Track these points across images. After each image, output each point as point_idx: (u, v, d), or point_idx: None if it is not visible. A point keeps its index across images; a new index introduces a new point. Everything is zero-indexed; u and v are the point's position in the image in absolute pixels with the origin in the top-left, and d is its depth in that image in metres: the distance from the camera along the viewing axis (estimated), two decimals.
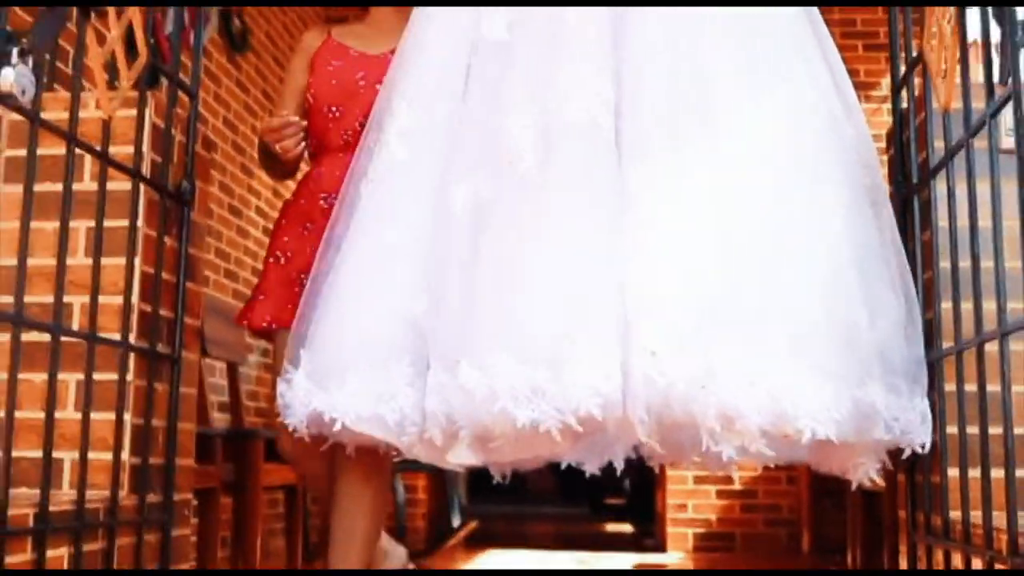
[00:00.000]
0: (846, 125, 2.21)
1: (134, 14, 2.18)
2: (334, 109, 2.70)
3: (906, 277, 2.16)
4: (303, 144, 2.66)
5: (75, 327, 2.27)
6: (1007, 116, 2.23)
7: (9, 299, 1.91)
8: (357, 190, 2.32)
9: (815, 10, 2.28)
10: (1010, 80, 1.72)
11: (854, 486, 2.17)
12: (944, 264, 2.15)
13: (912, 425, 2.04)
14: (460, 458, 2.09)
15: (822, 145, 2.13)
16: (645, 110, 2.06)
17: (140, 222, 2.28)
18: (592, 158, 2.04)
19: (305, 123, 2.64)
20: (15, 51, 1.76)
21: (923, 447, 2.05)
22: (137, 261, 2.27)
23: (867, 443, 2.04)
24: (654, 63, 2.11)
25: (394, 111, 2.34)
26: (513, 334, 1.97)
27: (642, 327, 1.92)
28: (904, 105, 2.41)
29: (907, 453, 2.07)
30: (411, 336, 2.11)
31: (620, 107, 2.10)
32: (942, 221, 2.15)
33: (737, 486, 5.90)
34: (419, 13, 2.43)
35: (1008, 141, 2.27)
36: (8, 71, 1.75)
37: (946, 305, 2.13)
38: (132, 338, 2.21)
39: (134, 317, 2.24)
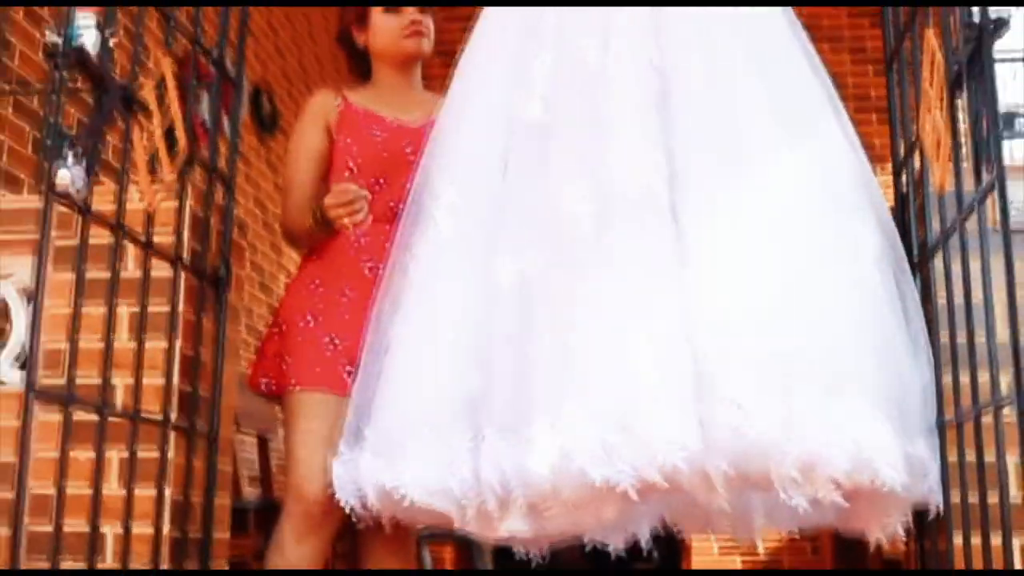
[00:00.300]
0: (871, 180, 2.32)
1: (175, 111, 2.33)
2: (381, 180, 2.64)
3: (926, 340, 2.25)
4: (370, 217, 2.58)
5: (119, 406, 2.39)
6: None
7: (52, 377, 2.03)
8: (404, 264, 2.37)
9: (824, 71, 2.41)
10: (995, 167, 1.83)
11: (874, 543, 2.21)
12: (945, 338, 2.25)
13: (937, 483, 2.13)
14: (514, 528, 2.11)
15: (855, 197, 2.25)
16: (696, 171, 2.15)
17: (180, 306, 2.41)
18: (651, 224, 2.11)
19: (369, 195, 2.57)
20: (71, 154, 1.90)
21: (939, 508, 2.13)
22: (178, 343, 2.39)
23: (901, 499, 2.09)
24: (701, 130, 2.20)
25: (437, 189, 2.39)
26: (581, 395, 2.01)
27: (721, 379, 1.98)
28: (904, 186, 2.53)
29: (932, 513, 2.14)
30: (467, 410, 2.16)
31: (673, 171, 2.18)
32: (940, 298, 2.25)
33: (762, 556, 5.93)
34: (455, 93, 2.51)
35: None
36: (64, 171, 1.90)
37: (947, 378, 2.22)
38: (173, 416, 2.34)
39: (174, 396, 2.36)
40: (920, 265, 2.42)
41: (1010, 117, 2.07)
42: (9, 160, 3.52)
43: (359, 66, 2.86)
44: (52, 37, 2.94)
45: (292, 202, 2.74)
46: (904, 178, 2.53)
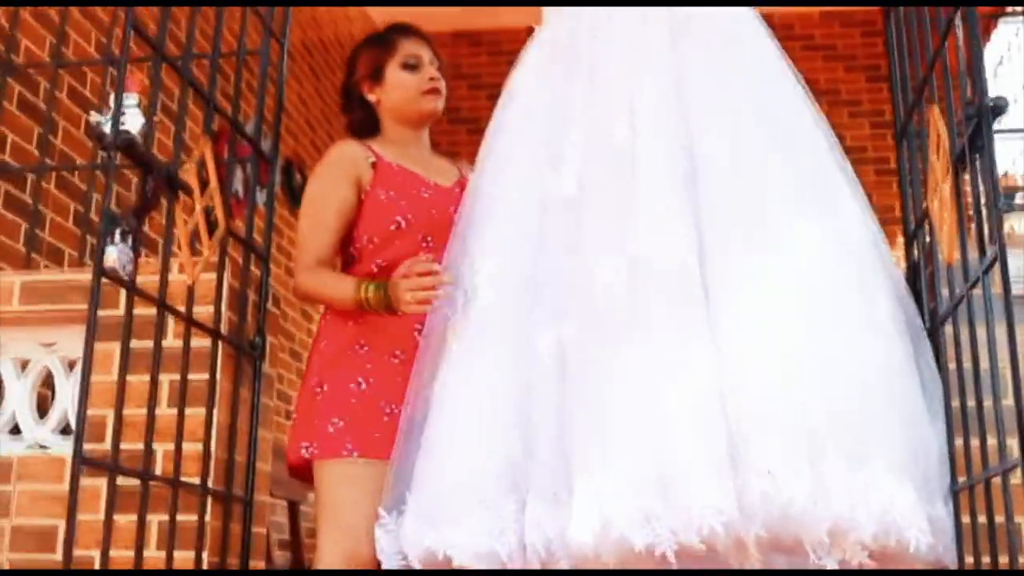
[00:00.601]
0: (887, 252, 2.41)
1: (215, 192, 2.45)
2: (429, 239, 2.58)
3: (941, 404, 2.33)
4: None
5: (159, 471, 2.48)
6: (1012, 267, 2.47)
7: (92, 443, 2.13)
8: (443, 332, 2.43)
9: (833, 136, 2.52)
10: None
11: None
12: (957, 403, 2.32)
13: (951, 544, 2.19)
14: None
15: (873, 271, 2.34)
16: (724, 247, 2.24)
17: (218, 375, 2.51)
18: (684, 296, 2.19)
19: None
20: (118, 232, 2.02)
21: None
22: (216, 412, 2.49)
23: (925, 559, 2.14)
24: (728, 207, 2.29)
25: (476, 261, 2.45)
26: (620, 461, 2.08)
27: (753, 447, 2.06)
28: (916, 256, 2.62)
29: None
30: (511, 475, 2.21)
31: (702, 246, 2.27)
32: (952, 364, 2.33)
33: None
34: (488, 170, 2.58)
35: (1014, 287, 2.50)
36: (112, 249, 2.02)
37: (959, 441, 2.29)
38: (211, 482, 2.43)
39: (212, 463, 2.45)
40: (931, 333, 2.50)
41: (1011, 192, 2.15)
42: (51, 233, 3.65)
43: (364, 122, 2.77)
44: (96, 117, 3.09)
45: (313, 256, 2.59)
46: (916, 248, 2.62)
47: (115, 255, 2.02)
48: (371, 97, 2.74)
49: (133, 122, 2.84)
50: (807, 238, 2.28)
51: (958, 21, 2.13)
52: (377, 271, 2.59)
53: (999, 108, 1.98)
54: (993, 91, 2.05)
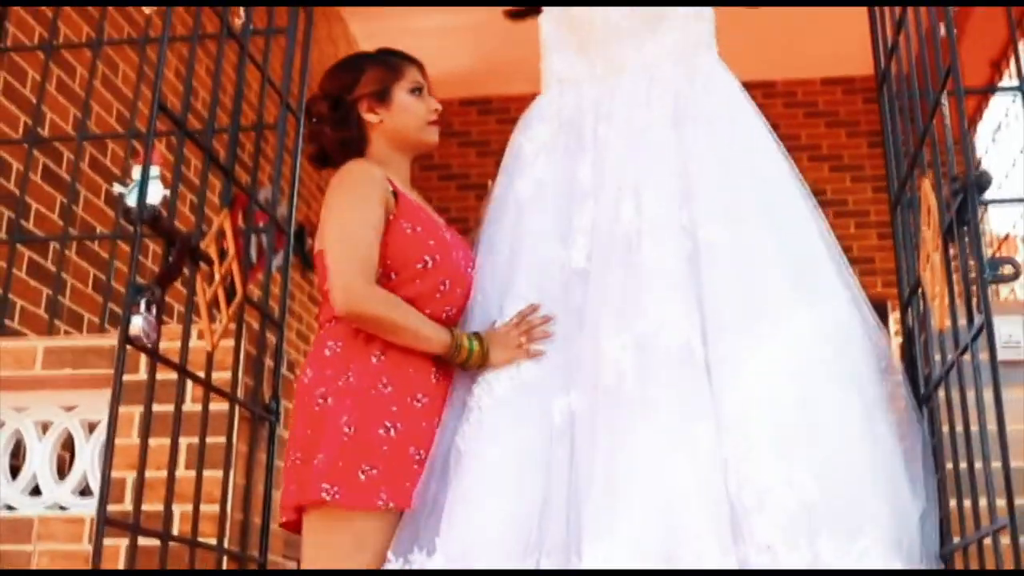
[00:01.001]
0: (874, 328, 2.50)
1: (233, 262, 2.55)
2: (447, 283, 2.46)
3: (928, 472, 2.40)
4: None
5: (175, 532, 2.55)
6: (1000, 330, 2.56)
7: (112, 503, 2.21)
8: (461, 395, 2.46)
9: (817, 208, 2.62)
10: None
11: None
12: (951, 465, 2.39)
13: None
14: None
15: (862, 350, 2.43)
16: (722, 328, 2.33)
17: (235, 438, 2.60)
18: (688, 375, 2.28)
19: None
20: (143, 302, 2.12)
21: None
22: (232, 474, 2.57)
23: None
24: (727, 287, 2.38)
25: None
26: (627, 528, 2.15)
27: (754, 521, 2.14)
28: (911, 323, 2.70)
29: None
30: (530, 534, 2.26)
31: (705, 324, 2.35)
32: (945, 427, 2.40)
33: None
34: (502, 241, 2.61)
35: (1006, 352, 2.59)
36: (137, 319, 2.12)
37: (953, 501, 2.36)
38: (227, 543, 2.51)
39: (228, 524, 2.53)
40: (927, 398, 2.58)
41: (995, 263, 2.24)
42: (72, 298, 3.76)
43: (351, 142, 2.53)
44: (119, 188, 3.21)
45: (365, 269, 2.34)
46: (910, 315, 2.70)
47: (140, 324, 2.11)
48: (371, 117, 2.52)
49: (154, 192, 2.97)
50: (803, 324, 2.36)
51: (944, 100, 2.24)
52: None
53: (983, 183, 2.07)
54: (991, 158, 2.15)
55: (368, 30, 6.84)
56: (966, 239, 2.15)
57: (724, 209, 2.45)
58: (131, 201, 2.93)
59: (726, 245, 2.40)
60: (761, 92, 7.56)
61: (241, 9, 2.94)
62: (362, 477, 2.25)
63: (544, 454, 2.34)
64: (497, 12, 5.99)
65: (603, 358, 2.31)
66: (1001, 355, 2.51)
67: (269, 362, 2.82)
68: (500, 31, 5.76)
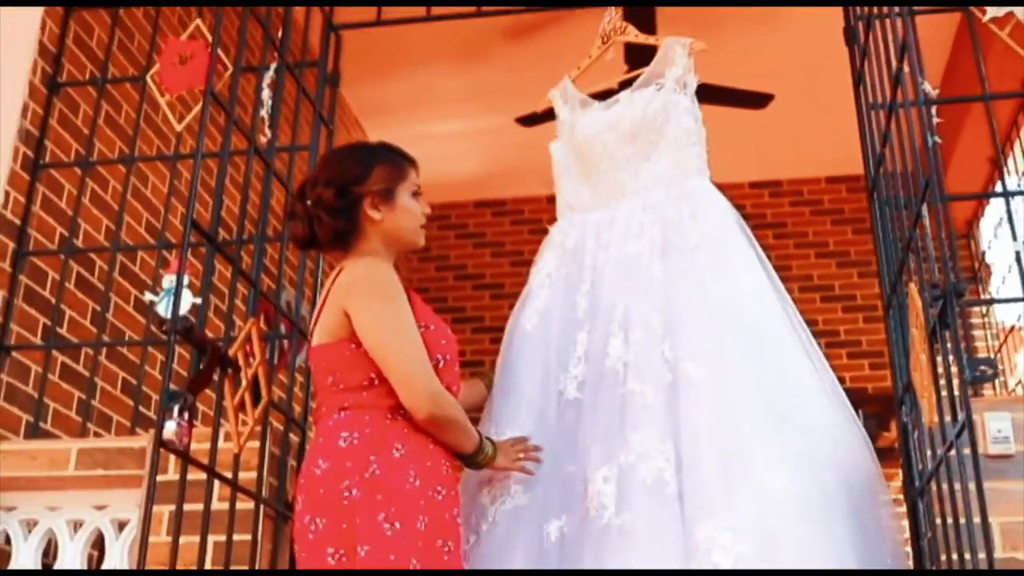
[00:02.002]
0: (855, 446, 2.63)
1: (260, 368, 2.70)
2: (454, 375, 2.54)
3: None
4: None
5: None
6: (990, 425, 2.69)
7: None
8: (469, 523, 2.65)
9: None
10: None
11: None
12: (944, 557, 2.49)
13: None
14: None
15: (841, 483, 2.53)
16: (698, 464, 2.45)
17: (260, 536, 2.72)
18: (661, 511, 2.41)
19: None
20: (176, 408, 2.26)
21: None
22: (258, 570, 2.69)
23: None
24: (704, 422, 2.51)
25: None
26: None
27: None
28: (904, 419, 2.83)
29: None
30: None
31: (680, 463, 2.48)
32: (939, 519, 2.51)
33: None
34: (507, 371, 2.82)
35: (996, 447, 2.71)
36: (170, 423, 2.26)
37: None
38: None
39: None
40: (920, 492, 2.69)
41: (974, 363, 2.36)
42: (102, 401, 3.91)
43: (344, 235, 2.51)
44: (150, 297, 3.37)
45: (433, 377, 2.39)
46: (903, 412, 2.83)
47: (173, 428, 2.25)
48: (374, 214, 2.50)
49: (184, 300, 3.13)
50: (777, 461, 2.46)
51: (925, 211, 2.39)
52: None
53: (960, 291, 2.21)
54: (995, 253, 2.29)
55: (387, 137, 7.02)
56: (948, 343, 2.28)
57: (705, 342, 2.59)
58: (162, 310, 3.08)
59: (705, 379, 2.54)
60: (768, 191, 7.82)
61: (267, 127, 3.13)
62: (416, 564, 2.27)
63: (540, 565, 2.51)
64: (508, 118, 6.23)
65: (589, 488, 2.48)
66: (992, 449, 2.67)
67: (293, 462, 2.95)
68: (512, 135, 6.05)
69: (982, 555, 2.14)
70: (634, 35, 3.18)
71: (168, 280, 3.13)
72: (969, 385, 2.21)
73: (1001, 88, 3.46)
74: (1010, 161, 6.40)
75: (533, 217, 7.63)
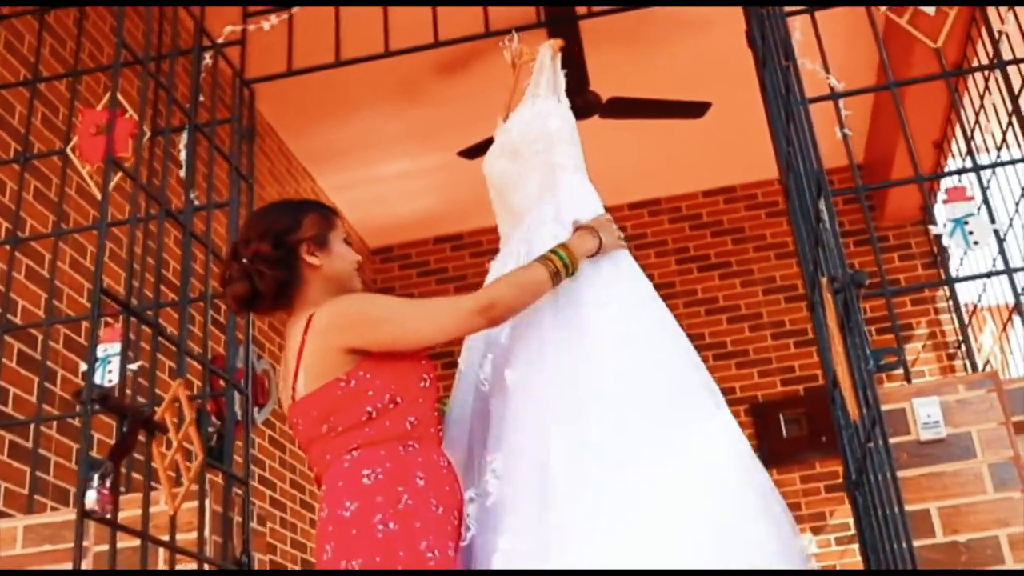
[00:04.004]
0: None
1: (191, 427, 2.70)
2: (439, 394, 2.63)
3: None
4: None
5: None
6: (919, 411, 2.70)
7: None
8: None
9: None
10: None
11: None
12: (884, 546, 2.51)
13: None
14: None
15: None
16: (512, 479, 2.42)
17: None
18: (486, 522, 2.38)
19: None
20: (96, 476, 2.27)
21: None
22: None
23: None
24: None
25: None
26: None
27: None
28: (836, 415, 2.85)
29: None
30: None
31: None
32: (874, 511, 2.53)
33: None
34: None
35: (927, 432, 2.72)
36: (91, 493, 2.26)
37: None
38: None
39: None
40: (856, 484, 2.70)
41: (878, 354, 2.37)
42: (56, 473, 3.90)
43: (286, 285, 2.51)
44: (85, 367, 3.36)
45: (462, 307, 2.45)
46: (836, 407, 2.84)
47: (94, 498, 2.25)
48: (313, 260, 2.51)
49: (118, 367, 3.13)
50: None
51: (822, 205, 2.42)
52: (411, 429, 2.41)
53: (859, 282, 2.23)
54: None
55: (335, 182, 7.11)
56: (855, 335, 2.30)
57: (523, 356, 2.54)
58: (97, 378, 3.09)
59: (514, 391, 2.50)
60: (723, 198, 7.85)
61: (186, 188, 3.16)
62: None
63: None
64: (453, 153, 6.25)
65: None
66: (923, 435, 2.68)
67: (239, 518, 2.95)
68: (460, 169, 6.07)
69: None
70: (528, 54, 3.15)
71: (101, 349, 3.14)
72: (876, 375, 2.23)
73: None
74: (953, 144, 6.46)
75: (492, 247, 7.52)
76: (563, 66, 3.02)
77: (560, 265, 2.50)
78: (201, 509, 2.75)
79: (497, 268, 2.84)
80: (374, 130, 6.61)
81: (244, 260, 2.50)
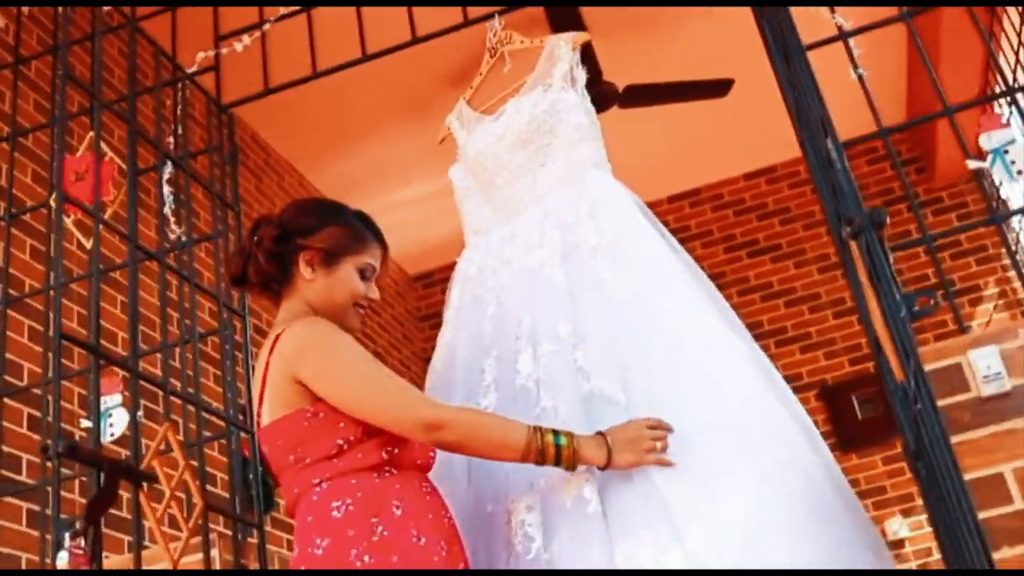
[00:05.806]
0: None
1: (187, 473, 2.51)
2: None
3: None
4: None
5: None
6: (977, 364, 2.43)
7: None
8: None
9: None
10: None
11: None
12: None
13: None
14: None
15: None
16: (619, 486, 2.23)
17: None
18: (585, 532, 2.18)
19: None
20: (68, 535, 2.08)
21: None
22: None
23: None
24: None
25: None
26: None
27: None
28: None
29: None
30: None
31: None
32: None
33: None
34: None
35: (988, 387, 2.44)
36: (63, 553, 2.07)
37: None
38: None
39: None
40: (917, 454, 2.43)
41: (910, 299, 2.10)
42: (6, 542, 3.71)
43: (272, 280, 2.37)
44: (85, 423, 3.21)
45: (416, 391, 2.25)
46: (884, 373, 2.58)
47: (66, 559, 2.07)
48: (306, 272, 2.34)
49: (121, 420, 2.97)
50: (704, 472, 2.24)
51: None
52: (388, 458, 2.19)
53: (878, 220, 1.98)
54: None
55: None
56: (883, 282, 2.04)
57: (610, 361, 2.36)
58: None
59: (613, 403, 2.32)
60: (765, 179, 7.57)
61: (172, 225, 2.99)
62: None
63: None
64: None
65: (513, 520, 2.27)
66: (985, 390, 2.40)
67: (254, 564, 2.75)
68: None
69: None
70: (519, 41, 3.02)
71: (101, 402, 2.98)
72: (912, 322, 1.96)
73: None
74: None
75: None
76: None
77: (549, 449, 2.18)
78: (206, 559, 2.55)
79: (480, 255, 2.77)
80: (386, 155, 6.49)
81: (254, 238, 2.36)
